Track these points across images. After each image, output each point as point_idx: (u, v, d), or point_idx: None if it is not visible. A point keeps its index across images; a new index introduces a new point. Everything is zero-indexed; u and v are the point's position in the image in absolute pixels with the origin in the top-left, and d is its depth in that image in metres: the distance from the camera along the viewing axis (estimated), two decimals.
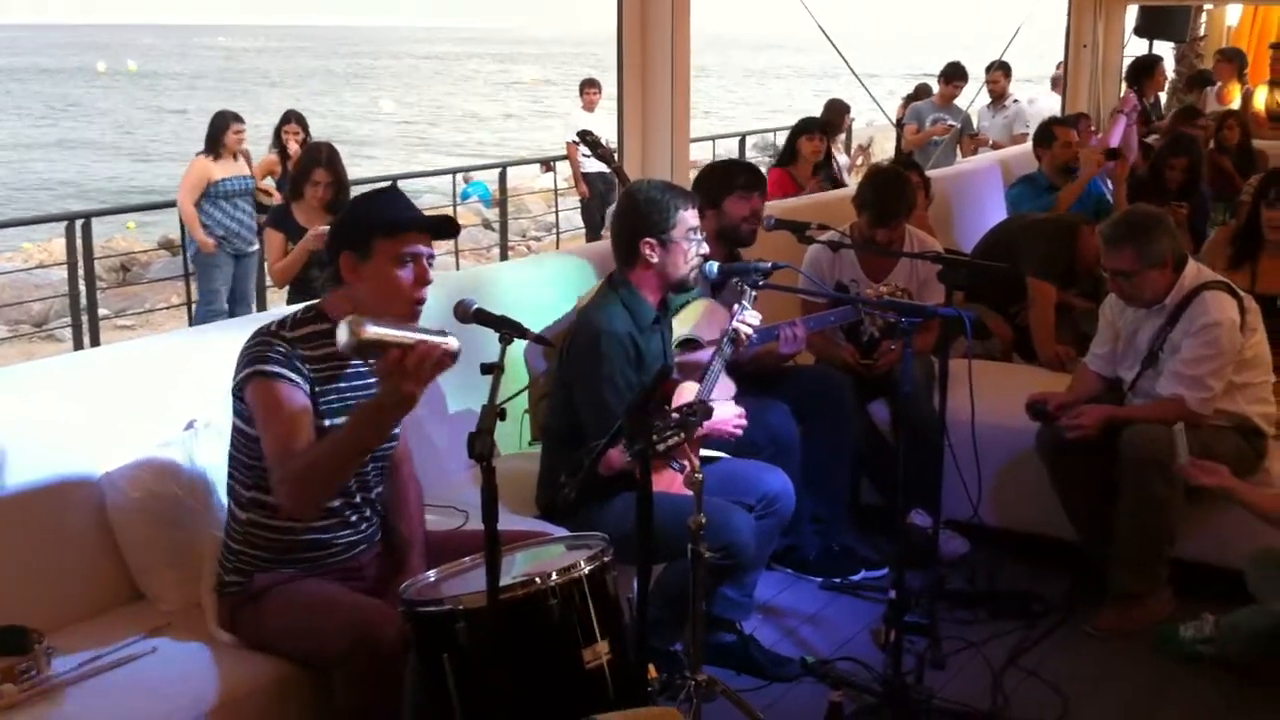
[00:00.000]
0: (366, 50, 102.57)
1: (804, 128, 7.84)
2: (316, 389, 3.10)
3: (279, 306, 6.99)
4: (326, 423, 3.09)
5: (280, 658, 3.12)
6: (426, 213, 3.39)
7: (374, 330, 2.73)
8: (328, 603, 3.08)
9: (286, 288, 6.87)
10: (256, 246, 9.01)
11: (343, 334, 2.71)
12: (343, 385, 3.15)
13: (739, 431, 4.00)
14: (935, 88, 11.41)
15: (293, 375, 3.04)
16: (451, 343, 2.85)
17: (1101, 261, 4.60)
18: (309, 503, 3.06)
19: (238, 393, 3.11)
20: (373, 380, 3.17)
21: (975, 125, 11.09)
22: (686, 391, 4.00)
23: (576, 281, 4.76)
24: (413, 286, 3.10)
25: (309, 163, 6.74)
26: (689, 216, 3.98)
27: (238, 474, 3.21)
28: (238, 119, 8.94)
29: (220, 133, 8.78)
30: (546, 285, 4.79)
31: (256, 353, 3.06)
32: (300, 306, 3.24)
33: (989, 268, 5.40)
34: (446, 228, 3.24)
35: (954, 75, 10.81)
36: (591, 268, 4.89)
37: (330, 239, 3.23)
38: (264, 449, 3.05)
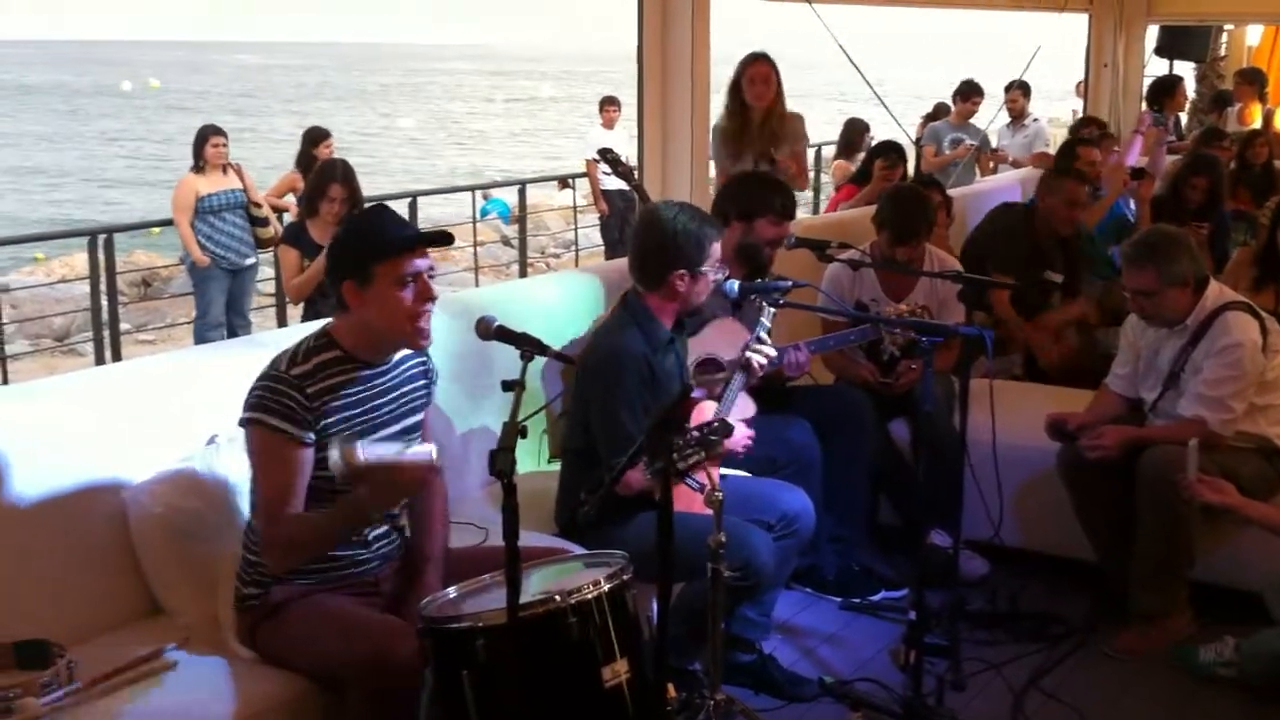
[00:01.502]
0: (383, 67, 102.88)
1: (879, 151, 7.96)
2: (324, 420, 3.11)
3: (297, 325, 7.01)
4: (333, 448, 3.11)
5: (297, 674, 3.12)
6: (442, 228, 3.42)
7: (364, 457, 2.92)
8: (345, 619, 3.09)
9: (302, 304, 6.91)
10: (252, 260, 9.01)
11: (335, 459, 2.89)
12: (351, 412, 3.17)
13: (747, 447, 3.98)
14: (952, 106, 11.40)
15: (294, 430, 3.06)
16: (433, 456, 3.05)
17: (1123, 281, 4.59)
18: (285, 566, 3.17)
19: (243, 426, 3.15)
20: (379, 404, 3.23)
21: (995, 144, 11.09)
22: (706, 410, 3.99)
23: (593, 299, 4.76)
24: (416, 304, 3.13)
25: (325, 179, 6.74)
26: (718, 248, 3.98)
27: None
28: (217, 131, 8.90)
29: (200, 147, 8.78)
30: (565, 303, 4.80)
31: (262, 399, 3.08)
32: (311, 333, 3.25)
33: (1006, 286, 5.42)
34: (440, 240, 3.28)
35: (971, 92, 10.82)
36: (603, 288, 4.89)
37: (330, 269, 3.26)
38: (255, 500, 3.13)
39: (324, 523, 3.10)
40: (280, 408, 3.05)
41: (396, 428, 3.27)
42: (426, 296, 3.14)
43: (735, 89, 6.12)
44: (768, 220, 4.72)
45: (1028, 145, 10.50)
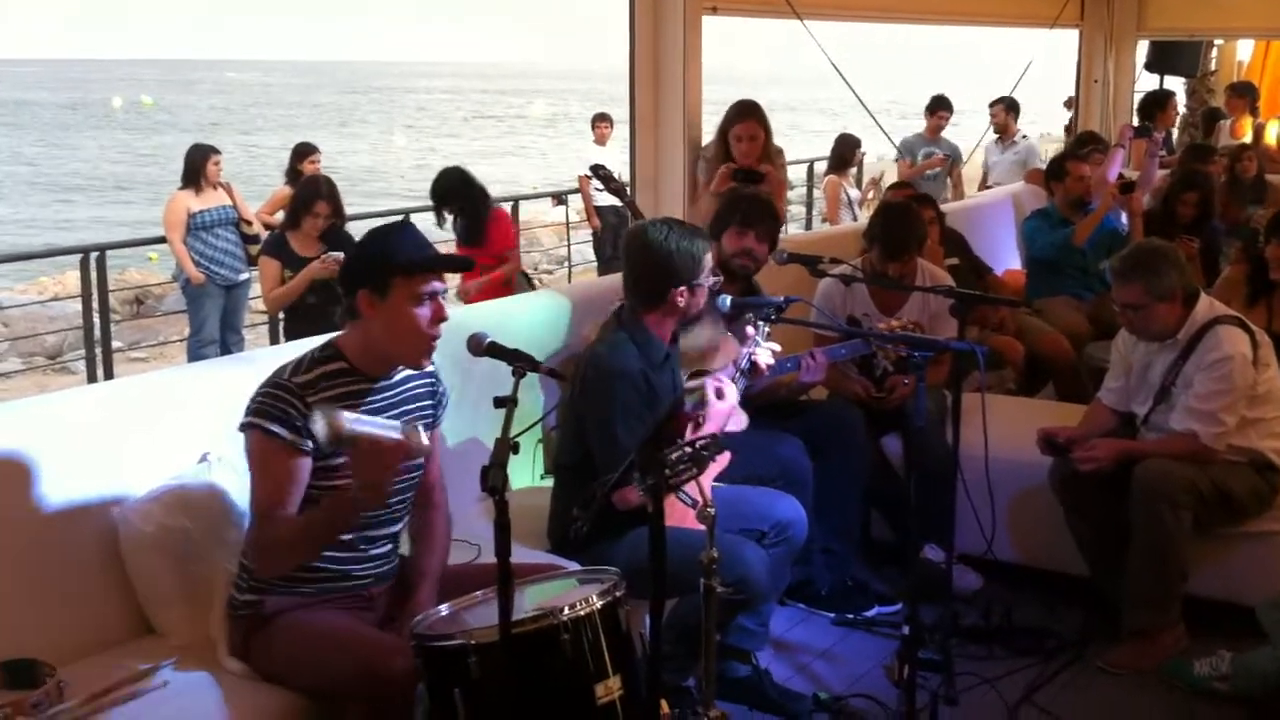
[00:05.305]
0: (374, 84, 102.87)
1: None
2: None
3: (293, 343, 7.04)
4: (335, 461, 3.11)
5: (291, 690, 3.11)
6: (440, 247, 3.42)
7: (350, 426, 2.82)
8: (338, 635, 3.08)
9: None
10: (246, 275, 9.03)
11: (320, 427, 2.79)
12: None
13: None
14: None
15: (292, 437, 3.06)
16: (422, 440, 2.95)
17: (1112, 295, 4.60)
18: (275, 570, 3.16)
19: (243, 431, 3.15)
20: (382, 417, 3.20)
21: (984, 161, 11.10)
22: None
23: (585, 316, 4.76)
24: (429, 324, 3.14)
25: (310, 194, 6.87)
26: (711, 257, 4.02)
27: None
28: (215, 150, 9.04)
29: (201, 165, 8.85)
30: (557, 319, 4.80)
31: (264, 405, 3.09)
32: (317, 344, 3.26)
33: (998, 301, 5.44)
34: (464, 266, 3.42)
35: (937, 107, 10.87)
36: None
37: (346, 275, 3.25)
38: (250, 502, 3.12)
39: (310, 520, 3.07)
40: (279, 414, 3.06)
41: None
42: (440, 318, 3.16)
43: (722, 138, 5.95)
44: (730, 234, 4.82)
45: (1020, 163, 10.48)
